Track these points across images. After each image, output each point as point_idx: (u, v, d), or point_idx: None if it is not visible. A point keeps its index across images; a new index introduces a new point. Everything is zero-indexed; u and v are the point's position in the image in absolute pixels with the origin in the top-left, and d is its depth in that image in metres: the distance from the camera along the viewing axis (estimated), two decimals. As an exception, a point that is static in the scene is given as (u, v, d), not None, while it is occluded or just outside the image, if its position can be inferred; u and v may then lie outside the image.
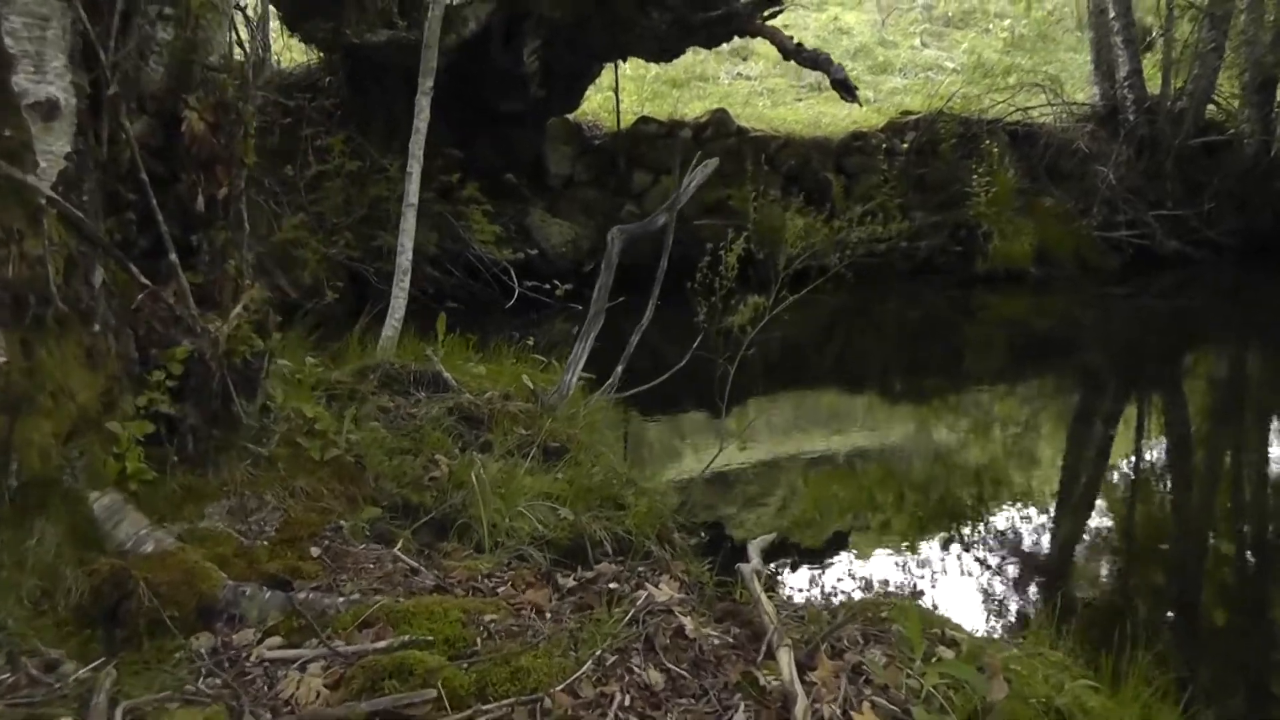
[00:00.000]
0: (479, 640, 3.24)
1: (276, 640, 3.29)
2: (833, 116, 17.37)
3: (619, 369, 6.88)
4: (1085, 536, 7.25)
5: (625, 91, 16.84)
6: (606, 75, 15.63)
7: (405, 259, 7.54)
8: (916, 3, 25.36)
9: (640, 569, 4.04)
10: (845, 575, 6.42)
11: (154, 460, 3.99)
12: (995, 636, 4.07)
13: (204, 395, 4.16)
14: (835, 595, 6.03)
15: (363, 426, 5.12)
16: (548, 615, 3.56)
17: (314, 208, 11.99)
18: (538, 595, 3.71)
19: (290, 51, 15.57)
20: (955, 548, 6.85)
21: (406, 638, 3.16)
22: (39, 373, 3.44)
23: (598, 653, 3.15)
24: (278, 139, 12.12)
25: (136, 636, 3.27)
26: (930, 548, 6.87)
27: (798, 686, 3.02)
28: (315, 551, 3.94)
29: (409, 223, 7.57)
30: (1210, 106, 17.77)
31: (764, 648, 3.31)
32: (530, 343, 7.63)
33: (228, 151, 4.34)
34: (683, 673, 3.15)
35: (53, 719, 2.82)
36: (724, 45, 19.93)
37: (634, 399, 7.33)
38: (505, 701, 2.90)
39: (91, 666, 3.05)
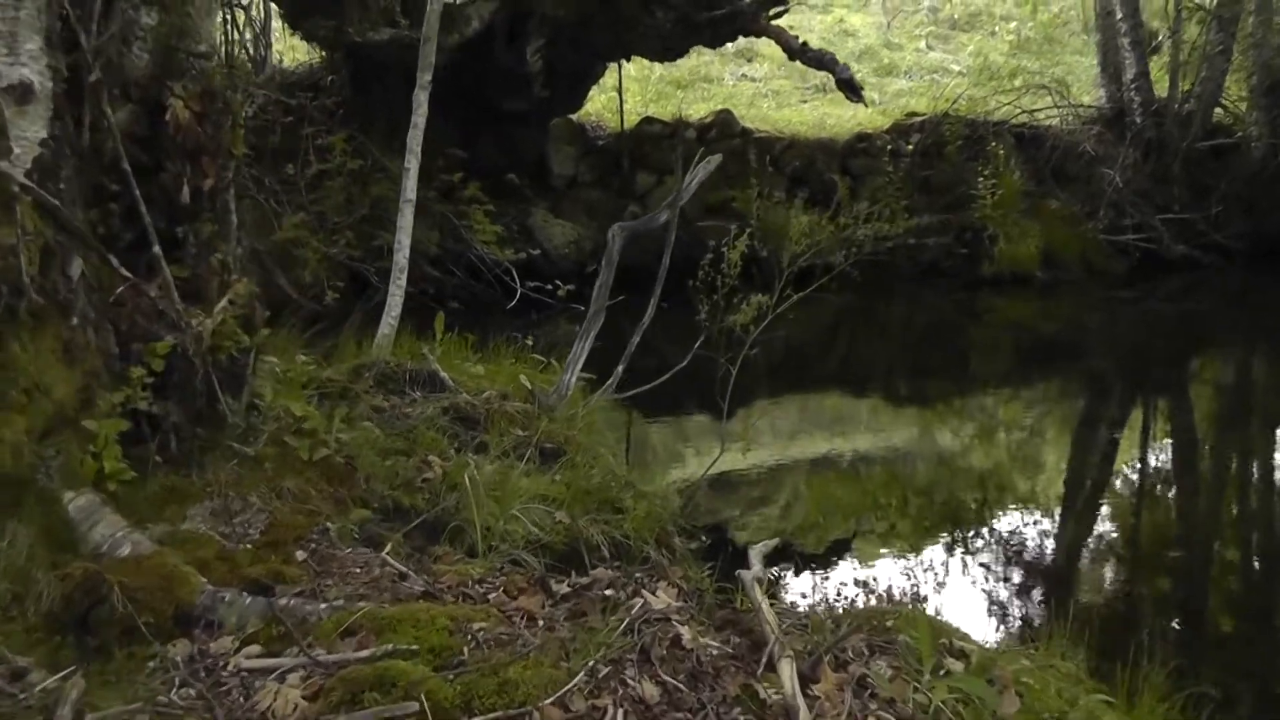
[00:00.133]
0: (466, 650, 3.09)
1: (255, 649, 3.14)
2: (838, 118, 17.25)
3: (619, 369, 6.78)
4: (1093, 542, 7.14)
5: (629, 92, 16.74)
6: (610, 76, 15.53)
7: (402, 256, 7.40)
8: (922, 5, 25.26)
9: (637, 575, 3.89)
10: (849, 580, 6.30)
11: (135, 460, 3.86)
12: (1004, 646, 3.93)
13: (187, 392, 4.03)
14: (839, 601, 5.91)
15: (354, 426, 4.98)
16: (540, 623, 3.41)
17: (315, 207, 11.98)
18: (530, 602, 3.57)
19: (294, 51, 15.54)
20: (961, 553, 6.73)
21: (390, 647, 3.01)
22: (11, 367, 3.32)
23: (590, 663, 3.00)
24: (279, 138, 12.13)
25: (110, 644, 3.13)
26: (936, 553, 6.76)
27: (800, 700, 2.88)
28: (300, 555, 3.80)
29: (406, 219, 7.44)
30: (1218, 109, 17.63)
31: (765, 659, 3.17)
32: (530, 342, 7.51)
33: (214, 142, 4.21)
34: (679, 685, 3.00)
35: (16, 731, 2.69)
36: (729, 46, 19.87)
37: (635, 400, 7.26)
38: (492, 715, 2.76)
39: (60, 676, 2.90)
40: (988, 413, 10.59)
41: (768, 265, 6.86)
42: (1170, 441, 9.66)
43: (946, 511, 7.65)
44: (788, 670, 3.02)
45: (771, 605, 3.64)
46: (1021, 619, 5.81)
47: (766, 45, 18.64)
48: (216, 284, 4.26)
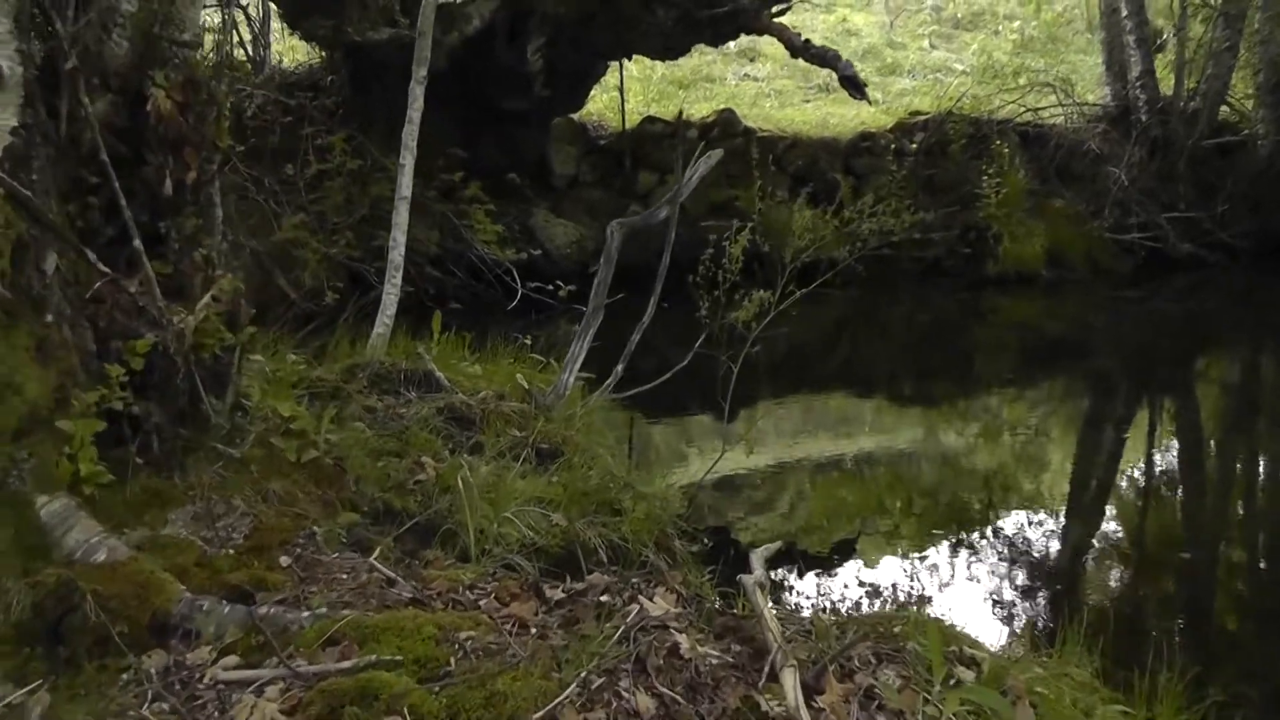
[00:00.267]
0: (453, 660, 2.96)
1: (233, 660, 3.01)
2: (841, 117, 17.16)
3: (618, 368, 6.66)
4: (1101, 544, 7.03)
5: (631, 92, 16.64)
6: (612, 75, 15.44)
7: (397, 254, 7.28)
8: (925, 4, 25.18)
9: (634, 580, 3.74)
10: (854, 583, 6.20)
11: (115, 462, 3.71)
12: (1015, 653, 3.78)
13: (169, 392, 3.89)
14: (844, 604, 5.83)
15: (345, 427, 4.86)
16: (532, 630, 3.27)
17: (315, 207, 11.92)
18: (523, 608, 3.42)
19: (294, 52, 15.46)
20: (968, 556, 6.61)
21: (373, 658, 2.87)
22: (-19, 365, 3.17)
23: (583, 674, 2.87)
24: (278, 138, 12.07)
25: (81, 655, 2.99)
26: (942, 555, 6.64)
27: (804, 713, 2.74)
28: (285, 561, 3.67)
29: (401, 217, 7.33)
30: (1224, 107, 17.49)
31: (767, 668, 3.03)
32: (528, 342, 7.40)
33: (198, 133, 4.07)
34: (676, 697, 2.86)
35: (-23, 748, 2.55)
36: (731, 45, 19.90)
37: (636, 400, 7.16)
38: (479, 729, 2.63)
39: (27, 690, 2.77)
40: (992, 413, 10.48)
41: (770, 263, 6.75)
42: (1176, 441, 9.56)
43: (952, 513, 7.54)
44: (791, 681, 2.89)
45: (774, 610, 3.51)
46: (1030, 622, 5.68)
47: (769, 44, 18.55)
48: (200, 280, 4.12)
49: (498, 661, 2.93)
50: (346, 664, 2.86)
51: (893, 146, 15.81)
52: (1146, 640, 4.96)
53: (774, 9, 13.33)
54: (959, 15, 24.89)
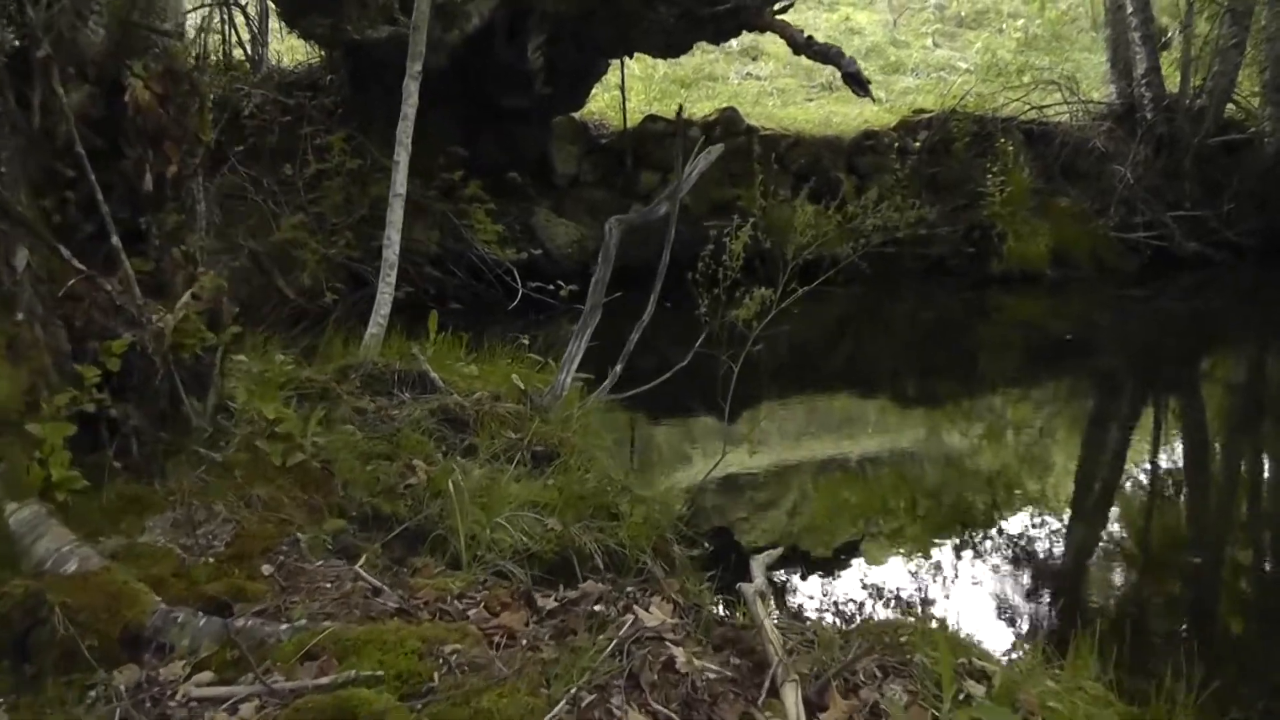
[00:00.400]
0: (436, 675, 2.80)
1: (207, 676, 2.86)
2: (843, 116, 17.07)
3: (616, 368, 6.54)
4: (1110, 548, 6.91)
5: (633, 91, 16.55)
6: (614, 74, 15.34)
7: (392, 252, 7.15)
8: (929, 2, 25.08)
9: (629, 589, 3.59)
10: (858, 586, 6.09)
11: (92, 467, 3.58)
12: (1025, 663, 3.63)
13: (148, 394, 3.76)
14: (848, 608, 5.74)
15: (333, 429, 4.71)
16: (522, 642, 3.12)
17: (314, 207, 11.88)
18: (513, 618, 3.28)
19: (294, 52, 15.37)
20: (974, 559, 6.51)
21: (352, 674, 2.72)
22: (-54, 366, 3.04)
23: (573, 690, 2.72)
24: (277, 137, 12.00)
25: (48, 671, 2.84)
26: (947, 558, 6.54)
27: (806, 731, 2.60)
28: (267, 569, 3.52)
29: (396, 214, 7.20)
30: (1230, 105, 17.34)
31: (767, 683, 2.89)
32: (525, 341, 7.27)
33: (179, 125, 3.94)
34: (671, 715, 2.71)
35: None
36: (733, 44, 19.80)
37: (637, 401, 7.05)
38: (463, 749, 2.49)
39: (-12, 707, 2.64)
40: (997, 413, 10.41)
41: (772, 261, 6.65)
42: (1183, 442, 9.48)
43: (957, 514, 7.44)
44: (792, 696, 2.75)
45: (776, 619, 3.38)
46: (1040, 629, 5.54)
47: (772, 43, 18.45)
48: (182, 277, 3.99)
49: (483, 677, 2.78)
50: (324, 680, 2.72)
51: (896, 145, 15.74)
52: (1159, 649, 4.85)
53: (776, 6, 13.25)
54: (962, 13, 24.79)
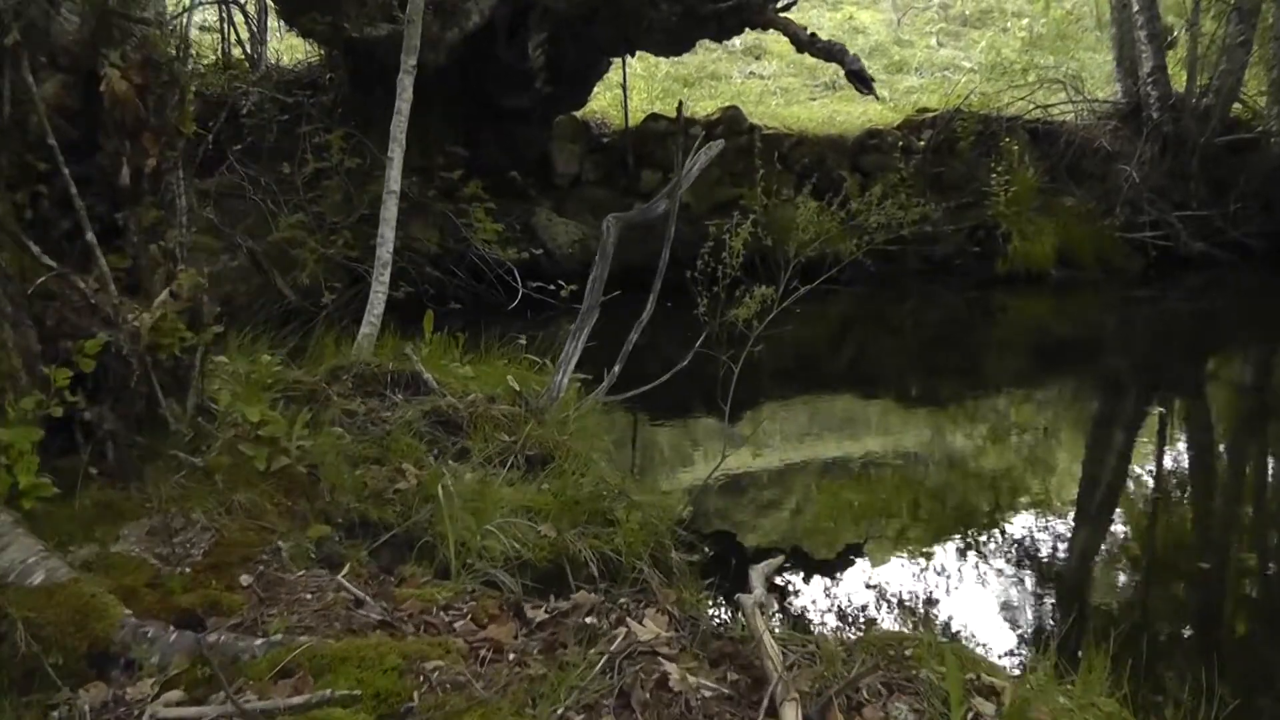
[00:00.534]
0: (416, 694, 2.66)
1: (175, 695, 2.71)
2: (847, 115, 16.97)
3: (615, 369, 6.41)
4: (1120, 553, 6.77)
5: (635, 90, 16.50)
6: (616, 73, 15.25)
7: (385, 251, 7.03)
8: (933, 2, 25.00)
9: (623, 600, 3.45)
10: (862, 591, 5.95)
11: (64, 472, 3.44)
12: (1035, 676, 3.47)
13: (124, 396, 3.61)
14: (851, 614, 5.60)
15: (321, 432, 4.56)
16: (510, 656, 2.98)
17: (313, 206, 11.80)
18: (500, 631, 3.14)
19: (295, 51, 15.28)
20: (980, 563, 6.38)
21: (327, 693, 2.58)
22: (-93, 368, 2.90)
23: (560, 710, 2.58)
24: (275, 136, 11.93)
25: (8, 689, 2.70)
26: (953, 563, 6.40)
27: (807, 754, 2.46)
28: (245, 580, 3.37)
29: (390, 212, 7.07)
30: (1236, 104, 17.23)
31: (766, 701, 2.74)
32: (523, 342, 7.15)
33: (158, 117, 3.79)
34: (664, 736, 2.58)
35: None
36: (736, 43, 19.71)
37: (637, 403, 6.96)
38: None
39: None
40: (1002, 414, 10.30)
41: (774, 260, 6.53)
42: (1189, 445, 9.37)
43: (962, 517, 7.32)
44: (792, 715, 2.61)
45: (776, 631, 3.24)
46: (1048, 637, 5.37)
47: (775, 42, 18.34)
48: (161, 275, 3.84)
49: (466, 695, 2.64)
50: (298, 700, 2.57)
51: (900, 144, 15.65)
52: (1174, 661, 4.71)
53: (779, 3, 13.14)
54: (967, 13, 24.75)
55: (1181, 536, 7.01)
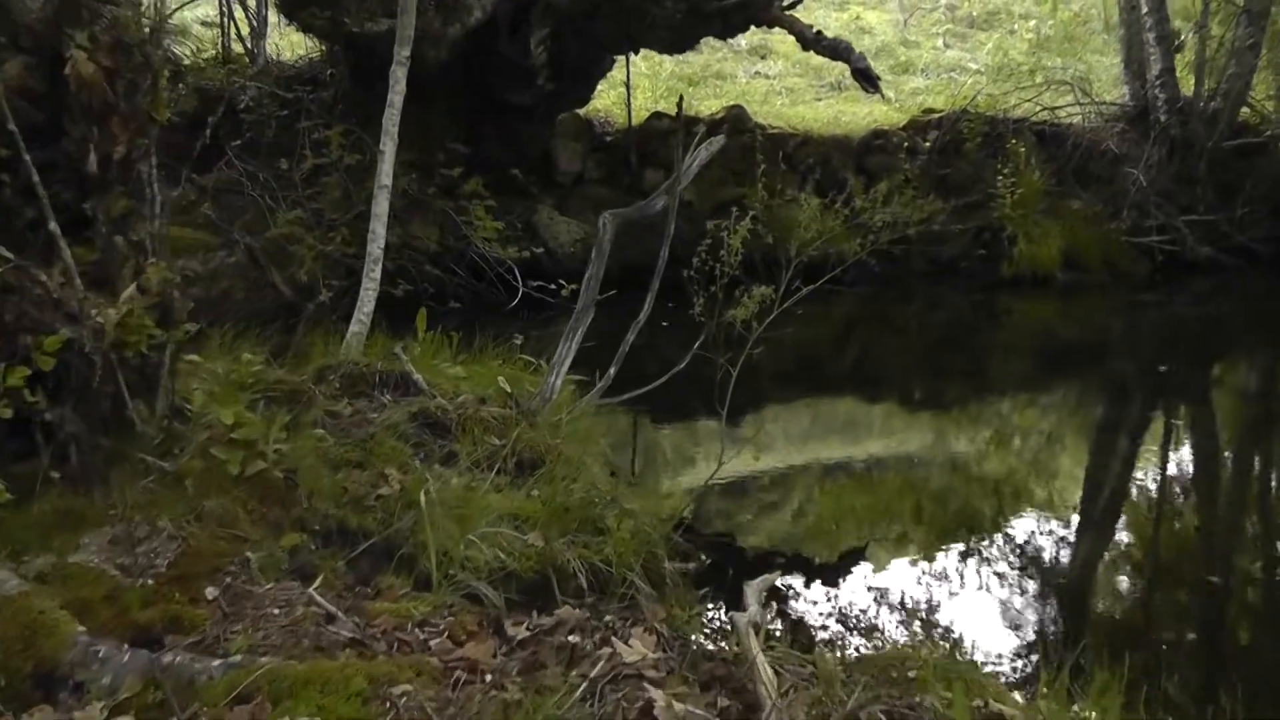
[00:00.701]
0: (382, 722, 2.49)
1: (125, 720, 2.53)
2: (853, 115, 16.85)
3: (611, 370, 6.25)
4: (1127, 564, 6.62)
5: (640, 88, 16.42)
6: (620, 71, 15.13)
7: (376, 247, 6.86)
8: (939, 3, 24.88)
9: (609, 617, 3.27)
10: (862, 599, 5.79)
11: (23, 477, 3.26)
12: (1046, 703, 3.29)
13: (88, 396, 3.42)
14: (851, 623, 5.44)
15: (300, 434, 4.37)
16: (486, 678, 2.79)
17: (311, 203, 11.68)
18: (478, 649, 2.95)
19: (295, 46, 15.17)
20: (984, 572, 6.23)
21: (285, 720, 2.40)
22: None
23: (536, 743, 2.40)
24: (274, 131, 11.83)
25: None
26: (956, 570, 6.26)
27: (802, 792, 2.28)
28: (211, 593, 3.19)
29: (380, 207, 6.90)
30: (1244, 108, 17.05)
31: (759, 731, 2.56)
32: (518, 341, 6.99)
33: (129, 102, 3.61)
34: (648, 771, 2.39)
35: None
36: (741, 42, 19.56)
37: (635, 405, 6.83)
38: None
39: None
40: (1006, 418, 10.16)
41: (777, 261, 6.39)
42: (1195, 452, 9.20)
43: (966, 523, 7.17)
44: (787, 748, 2.43)
45: (771, 651, 3.06)
46: (1056, 653, 5.20)
47: (781, 42, 18.23)
48: (130, 269, 3.66)
49: (435, 724, 2.46)
50: (254, 728, 2.40)
51: (906, 145, 15.54)
52: (1186, 678, 4.53)
53: (785, 1, 12.96)
54: (974, 14, 24.63)
55: (1187, 546, 6.89)
